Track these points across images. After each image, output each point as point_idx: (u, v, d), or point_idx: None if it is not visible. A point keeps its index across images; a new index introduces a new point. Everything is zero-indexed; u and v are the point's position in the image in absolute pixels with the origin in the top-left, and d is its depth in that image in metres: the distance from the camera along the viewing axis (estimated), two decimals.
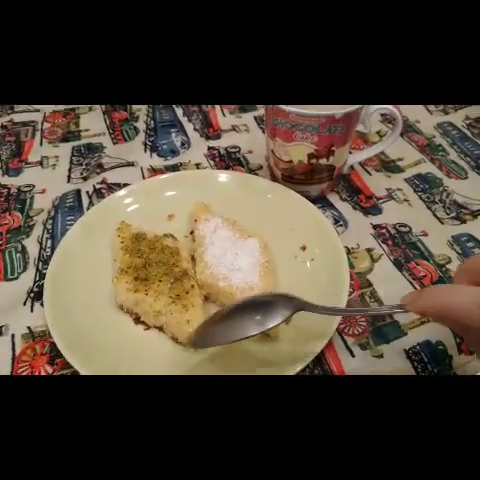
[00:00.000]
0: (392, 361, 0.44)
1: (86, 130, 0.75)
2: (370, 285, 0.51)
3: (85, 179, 0.65)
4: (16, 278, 0.51)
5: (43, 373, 0.43)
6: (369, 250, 0.55)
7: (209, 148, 0.71)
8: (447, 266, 0.53)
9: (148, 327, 0.45)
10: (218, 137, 0.73)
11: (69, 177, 0.66)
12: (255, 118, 0.77)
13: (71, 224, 0.56)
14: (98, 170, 0.67)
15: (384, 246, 0.55)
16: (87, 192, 0.63)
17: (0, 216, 0.59)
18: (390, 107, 0.55)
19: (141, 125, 0.76)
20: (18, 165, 0.67)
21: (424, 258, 0.54)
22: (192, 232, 0.53)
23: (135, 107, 0.80)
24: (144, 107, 0.80)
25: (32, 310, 0.48)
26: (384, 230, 0.57)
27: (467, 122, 0.76)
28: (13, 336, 0.46)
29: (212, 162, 0.68)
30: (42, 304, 0.46)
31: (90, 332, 0.43)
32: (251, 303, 0.39)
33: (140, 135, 0.73)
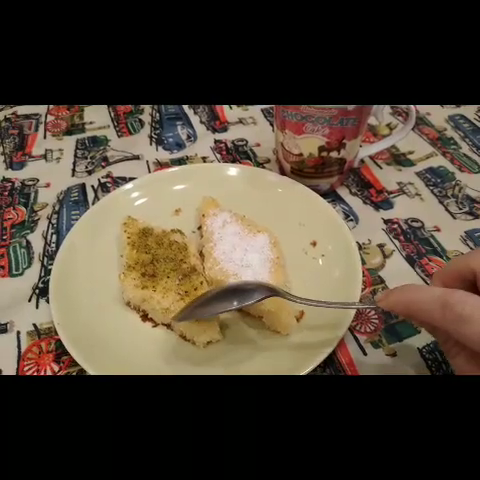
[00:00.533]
0: (406, 360, 0.43)
1: (90, 123, 0.73)
2: (382, 281, 0.49)
3: (90, 173, 0.64)
4: (21, 274, 0.50)
5: (49, 371, 0.42)
6: (381, 246, 0.53)
7: (216, 141, 0.69)
8: None
9: (156, 324, 0.44)
10: (225, 130, 0.72)
11: (74, 171, 0.65)
12: (262, 111, 0.75)
13: (76, 219, 0.55)
14: (103, 163, 0.65)
15: (396, 241, 0.54)
16: (92, 186, 0.62)
17: (4, 210, 0.58)
18: None
19: (146, 118, 0.74)
20: (22, 158, 0.66)
21: (437, 254, 0.52)
22: (200, 227, 0.52)
23: None
24: None
25: (37, 306, 0.47)
26: (396, 225, 0.56)
27: (479, 115, 0.74)
28: (19, 333, 0.45)
29: (219, 155, 0.67)
30: (47, 300, 0.46)
31: (97, 329, 0.43)
32: (230, 290, 0.40)
33: (145, 128, 0.72)
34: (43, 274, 0.50)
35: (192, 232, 0.53)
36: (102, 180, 0.62)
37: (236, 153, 0.67)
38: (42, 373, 0.42)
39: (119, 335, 0.43)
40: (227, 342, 0.43)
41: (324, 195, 0.56)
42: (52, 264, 0.48)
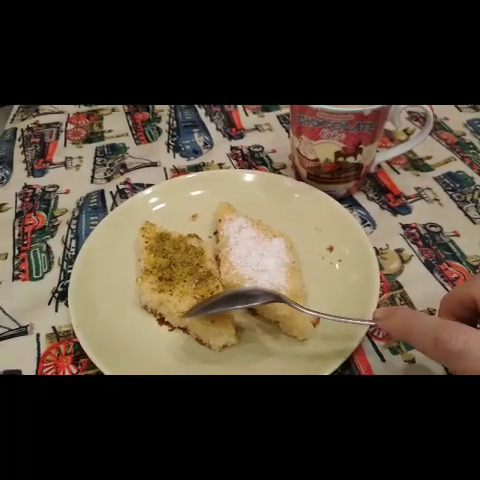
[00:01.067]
0: (424, 366, 0.42)
1: (109, 131, 0.75)
2: (400, 287, 0.49)
3: (108, 179, 0.65)
4: (41, 278, 0.51)
5: (67, 373, 0.42)
6: (399, 251, 0.53)
7: (232, 148, 0.70)
8: None
9: (173, 328, 0.45)
10: (241, 137, 0.72)
11: (93, 177, 0.66)
12: (278, 117, 0.76)
13: (95, 224, 0.56)
14: (121, 170, 0.66)
15: (414, 247, 0.53)
16: (111, 192, 0.63)
17: (25, 216, 0.60)
18: None
19: (164, 125, 0.75)
20: (43, 166, 0.68)
21: (456, 259, 0.52)
22: (216, 232, 0.52)
23: (157, 107, 0.79)
24: (166, 107, 0.79)
25: (57, 310, 0.48)
26: (414, 230, 0.55)
27: None
28: (38, 336, 0.46)
29: (235, 162, 0.67)
30: (66, 304, 0.46)
31: (114, 333, 0.43)
32: (238, 294, 0.41)
33: (163, 135, 0.73)
34: (62, 278, 0.51)
35: (208, 237, 0.54)
36: (120, 186, 0.63)
37: (252, 159, 0.67)
38: (60, 375, 0.42)
39: (136, 338, 0.43)
40: (243, 346, 0.43)
41: (341, 200, 0.56)
42: (71, 268, 0.49)
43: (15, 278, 0.52)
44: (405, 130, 0.71)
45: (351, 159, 0.54)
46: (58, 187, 0.64)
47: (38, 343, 0.45)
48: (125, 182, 0.64)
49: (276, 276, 0.44)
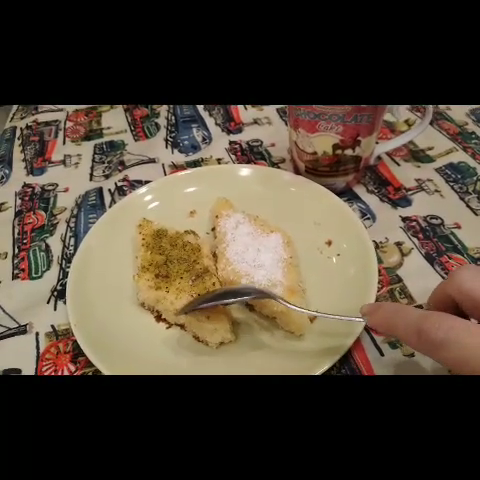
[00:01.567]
0: (424, 360, 0.41)
1: (108, 128, 0.75)
2: (400, 281, 0.48)
3: (107, 177, 0.65)
4: (40, 277, 0.52)
5: (66, 371, 0.43)
6: (398, 244, 0.52)
7: (230, 142, 0.69)
8: None
9: (170, 325, 0.45)
10: (240, 131, 0.72)
11: (91, 175, 0.66)
12: (277, 110, 0.75)
13: (93, 222, 0.56)
14: (120, 167, 0.66)
15: (414, 239, 0.52)
16: (109, 190, 0.63)
17: (25, 215, 0.60)
18: None
19: (162, 121, 0.75)
20: (42, 164, 0.68)
21: (457, 251, 0.51)
22: (214, 229, 0.52)
23: None
24: None
25: (55, 308, 0.48)
26: (414, 223, 0.54)
27: None
28: (37, 334, 0.46)
29: (234, 156, 0.67)
30: (65, 302, 0.46)
31: (112, 330, 0.43)
32: (229, 292, 0.41)
33: (161, 131, 0.73)
34: (61, 276, 0.51)
35: (206, 233, 0.53)
36: (119, 184, 0.63)
37: (251, 154, 0.67)
38: (59, 373, 0.43)
39: (133, 335, 0.43)
40: (240, 343, 0.43)
41: (340, 194, 0.56)
42: (70, 267, 0.49)
43: (15, 277, 0.52)
44: (406, 121, 0.70)
45: (349, 151, 0.53)
46: (57, 185, 0.64)
47: (37, 342, 0.45)
48: (123, 179, 0.64)
49: (273, 271, 0.44)
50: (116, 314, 0.45)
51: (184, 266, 0.45)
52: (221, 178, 0.58)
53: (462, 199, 0.57)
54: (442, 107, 0.72)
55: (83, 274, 0.48)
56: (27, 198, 0.62)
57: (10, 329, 0.46)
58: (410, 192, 0.59)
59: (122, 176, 0.65)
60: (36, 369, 0.43)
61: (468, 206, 0.56)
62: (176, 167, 0.66)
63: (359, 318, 0.37)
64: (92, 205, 0.60)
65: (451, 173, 0.61)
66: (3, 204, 0.62)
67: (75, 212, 0.60)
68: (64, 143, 0.72)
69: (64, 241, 0.56)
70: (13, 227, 0.58)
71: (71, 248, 0.55)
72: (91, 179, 0.65)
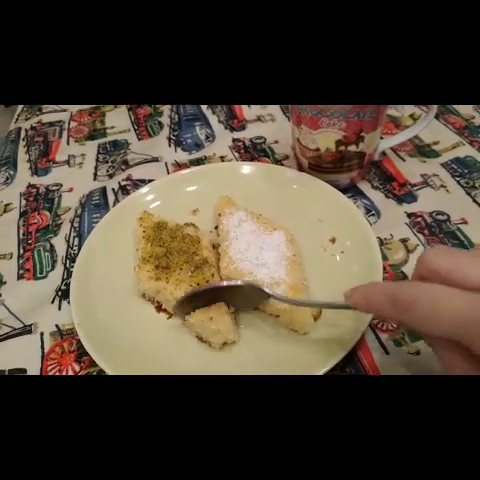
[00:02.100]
0: (430, 358, 0.41)
1: (112, 127, 0.75)
2: (405, 277, 0.48)
3: (111, 176, 0.65)
4: (45, 277, 0.52)
5: (71, 370, 0.43)
6: (404, 240, 0.51)
7: (234, 140, 0.69)
8: None
9: (170, 315, 0.45)
10: (243, 128, 0.71)
11: (95, 175, 0.66)
12: (281, 107, 0.75)
13: (97, 222, 0.56)
14: (123, 167, 0.66)
15: (420, 236, 0.52)
16: (113, 189, 0.63)
17: (30, 215, 0.60)
18: None
19: (165, 120, 0.75)
20: (46, 165, 0.68)
21: (464, 247, 0.50)
22: (216, 227, 0.52)
23: None
24: None
25: (60, 308, 0.48)
26: (420, 219, 0.54)
27: None
28: (42, 334, 0.46)
29: (237, 154, 0.66)
30: (69, 302, 0.47)
31: (114, 322, 0.44)
32: (220, 288, 0.42)
33: (164, 130, 0.73)
34: (66, 276, 0.52)
35: (209, 232, 0.53)
36: (122, 183, 0.63)
37: (254, 151, 0.66)
38: (64, 372, 0.43)
39: (136, 330, 0.43)
40: (243, 342, 0.42)
41: (345, 190, 0.55)
42: (74, 267, 0.49)
43: (20, 277, 0.52)
44: (411, 115, 0.69)
45: (353, 147, 0.53)
46: (61, 185, 0.65)
47: (42, 341, 0.46)
48: (127, 178, 0.64)
49: (276, 269, 0.43)
50: (118, 307, 0.46)
51: (184, 257, 0.45)
52: (224, 176, 0.58)
53: (469, 194, 0.56)
54: None
55: (86, 273, 0.48)
56: (32, 198, 0.63)
57: (15, 329, 0.47)
58: (415, 188, 0.58)
59: (125, 175, 0.65)
60: (41, 369, 0.43)
61: (475, 201, 0.55)
62: (179, 165, 0.66)
63: (344, 303, 0.35)
64: (96, 205, 0.61)
65: (457, 168, 0.60)
66: (8, 205, 0.62)
67: (79, 212, 0.60)
68: (68, 143, 0.72)
69: (68, 241, 0.56)
70: (18, 228, 0.59)
71: (75, 248, 0.55)
72: (95, 179, 0.65)
